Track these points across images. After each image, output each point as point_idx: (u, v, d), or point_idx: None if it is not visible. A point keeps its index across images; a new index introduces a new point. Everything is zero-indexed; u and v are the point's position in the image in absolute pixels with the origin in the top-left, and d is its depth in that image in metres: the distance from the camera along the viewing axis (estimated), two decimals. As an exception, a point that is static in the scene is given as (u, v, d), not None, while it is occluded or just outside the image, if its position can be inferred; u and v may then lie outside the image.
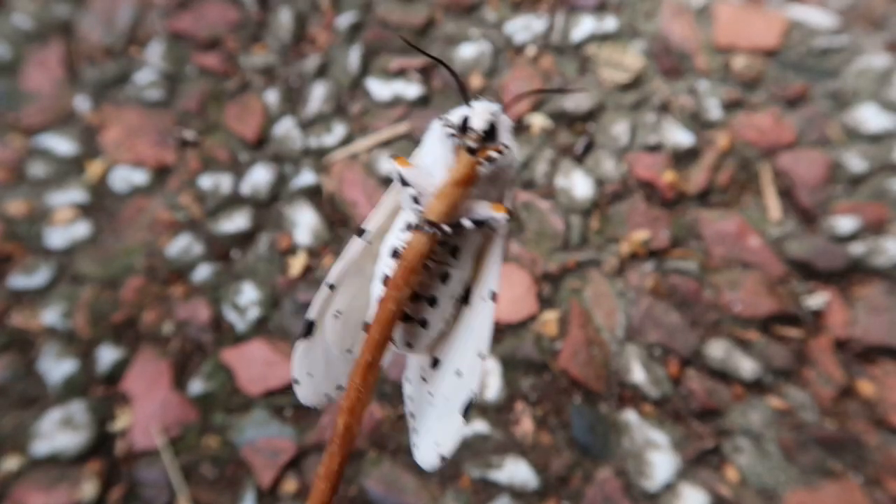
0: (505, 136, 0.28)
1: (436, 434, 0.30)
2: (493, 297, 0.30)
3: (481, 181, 0.27)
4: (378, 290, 0.29)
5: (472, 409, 0.29)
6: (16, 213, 0.73)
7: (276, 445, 0.60)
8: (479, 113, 0.27)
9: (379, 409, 0.61)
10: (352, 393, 0.27)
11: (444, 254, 0.28)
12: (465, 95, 0.28)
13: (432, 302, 0.29)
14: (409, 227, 0.27)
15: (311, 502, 0.26)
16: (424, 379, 0.32)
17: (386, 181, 0.74)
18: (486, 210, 0.27)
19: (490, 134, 0.27)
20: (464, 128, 0.27)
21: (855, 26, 0.81)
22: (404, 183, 0.27)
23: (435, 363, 0.31)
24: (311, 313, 0.31)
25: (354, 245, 0.31)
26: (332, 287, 0.31)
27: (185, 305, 0.67)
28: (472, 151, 0.26)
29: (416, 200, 0.27)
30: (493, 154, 0.27)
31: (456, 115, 0.28)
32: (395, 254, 0.29)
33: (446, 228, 0.26)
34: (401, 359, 0.33)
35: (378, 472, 0.58)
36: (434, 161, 0.28)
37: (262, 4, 0.88)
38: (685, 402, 0.61)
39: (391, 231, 0.30)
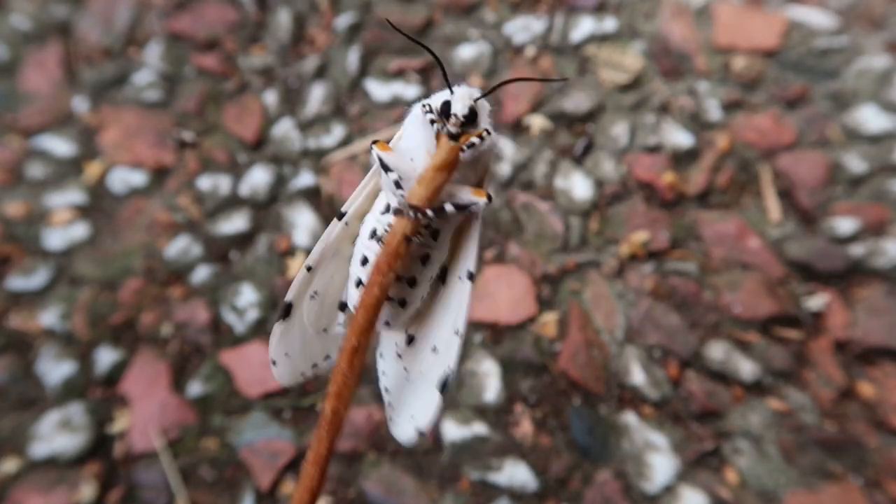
0: (485, 120, 0.28)
1: (412, 409, 0.31)
2: (471, 277, 0.30)
3: (462, 166, 0.28)
4: (357, 269, 0.30)
5: (448, 385, 0.30)
6: (14, 215, 0.73)
7: (275, 447, 0.60)
8: (461, 98, 0.27)
9: (378, 411, 0.61)
10: (338, 377, 0.27)
11: (426, 237, 0.29)
12: (447, 80, 0.28)
13: (412, 283, 0.30)
14: (393, 212, 0.27)
15: (302, 488, 0.26)
16: (400, 356, 0.32)
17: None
18: (467, 195, 0.28)
19: (471, 119, 0.27)
20: (445, 113, 0.27)
21: (855, 26, 0.81)
22: (385, 168, 0.28)
23: (410, 340, 0.32)
24: (289, 296, 0.32)
25: (332, 227, 0.31)
26: (309, 269, 0.32)
27: (184, 307, 0.67)
28: (453, 137, 0.27)
29: (398, 185, 0.27)
30: (475, 140, 0.27)
31: (437, 100, 0.28)
32: (374, 234, 0.29)
33: (430, 213, 0.26)
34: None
35: (377, 474, 0.58)
36: (416, 146, 0.28)
37: (260, 5, 0.87)
38: (685, 403, 0.61)
39: (371, 213, 0.31)
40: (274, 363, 0.33)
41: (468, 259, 0.30)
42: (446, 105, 0.27)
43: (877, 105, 0.75)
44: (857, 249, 0.67)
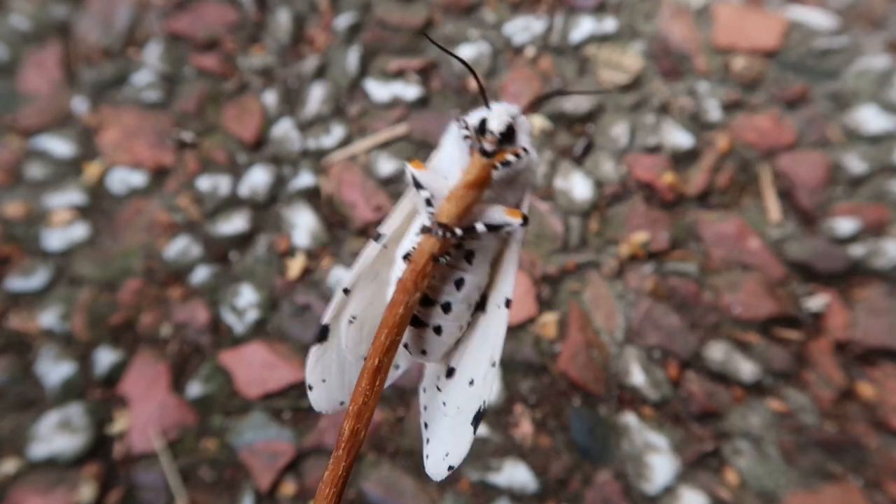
0: (524, 139, 0.27)
1: (447, 444, 0.29)
2: (508, 303, 0.29)
3: (497, 184, 0.27)
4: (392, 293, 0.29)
5: (483, 418, 0.29)
6: (13, 215, 0.73)
7: (275, 448, 0.60)
8: (498, 115, 0.26)
9: (378, 411, 0.61)
10: (358, 397, 0.26)
11: (458, 258, 0.28)
12: (485, 97, 0.27)
13: (446, 308, 0.29)
14: (421, 230, 0.26)
15: None
16: (439, 388, 0.31)
17: (384, 183, 0.74)
18: (500, 215, 0.27)
19: (508, 136, 0.26)
20: (482, 130, 0.26)
21: (855, 27, 0.81)
22: (418, 186, 0.27)
23: (450, 372, 0.31)
24: (326, 318, 0.31)
25: (370, 249, 0.30)
26: (346, 291, 0.30)
27: (184, 307, 0.67)
28: (487, 154, 0.26)
29: (428, 203, 0.26)
30: (510, 157, 0.26)
31: (474, 117, 0.27)
32: (407, 257, 0.28)
33: (457, 231, 0.25)
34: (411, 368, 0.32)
35: (377, 475, 0.58)
36: (450, 164, 0.27)
37: (260, 5, 0.87)
38: (685, 404, 0.61)
39: (407, 235, 0.30)
40: (310, 388, 0.31)
41: (505, 285, 0.29)
42: (483, 122, 0.26)
43: (877, 105, 0.75)
44: (857, 250, 0.67)
